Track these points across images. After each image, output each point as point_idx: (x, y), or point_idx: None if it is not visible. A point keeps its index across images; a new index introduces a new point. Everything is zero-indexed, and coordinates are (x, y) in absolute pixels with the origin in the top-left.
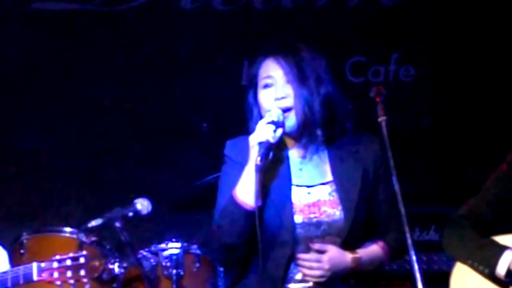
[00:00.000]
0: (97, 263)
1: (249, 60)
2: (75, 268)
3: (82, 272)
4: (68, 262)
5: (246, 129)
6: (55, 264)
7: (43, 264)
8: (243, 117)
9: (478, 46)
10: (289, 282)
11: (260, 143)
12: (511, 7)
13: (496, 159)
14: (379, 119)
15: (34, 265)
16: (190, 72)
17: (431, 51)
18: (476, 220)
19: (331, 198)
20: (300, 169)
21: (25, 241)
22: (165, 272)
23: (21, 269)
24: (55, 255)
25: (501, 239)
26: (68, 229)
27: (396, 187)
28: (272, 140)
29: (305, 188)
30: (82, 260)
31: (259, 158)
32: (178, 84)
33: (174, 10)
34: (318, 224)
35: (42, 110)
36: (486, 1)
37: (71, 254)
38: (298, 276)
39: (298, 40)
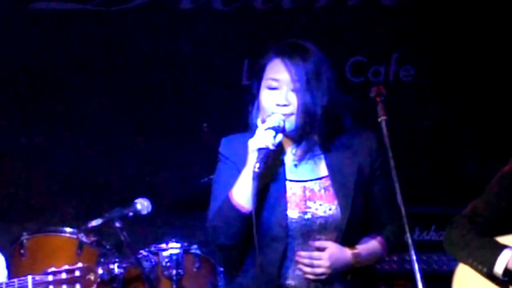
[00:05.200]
0: (92, 277)
1: (250, 58)
2: (70, 281)
3: (78, 286)
4: (63, 275)
5: (247, 128)
6: (50, 278)
7: (37, 277)
8: (243, 117)
9: (478, 46)
10: (286, 279)
11: (259, 149)
12: (511, 7)
13: (496, 158)
14: (379, 119)
15: (29, 278)
16: (190, 72)
17: (431, 51)
18: (479, 220)
19: (327, 193)
20: (295, 165)
21: (25, 241)
22: (165, 272)
23: (16, 282)
24: (54, 258)
25: (504, 239)
26: (68, 229)
27: (396, 186)
28: (271, 147)
29: (300, 183)
30: (77, 273)
31: (257, 165)
32: (178, 84)
33: (174, 10)
34: (314, 219)
35: (42, 109)
36: (486, 1)
37: (66, 267)
38: (297, 273)
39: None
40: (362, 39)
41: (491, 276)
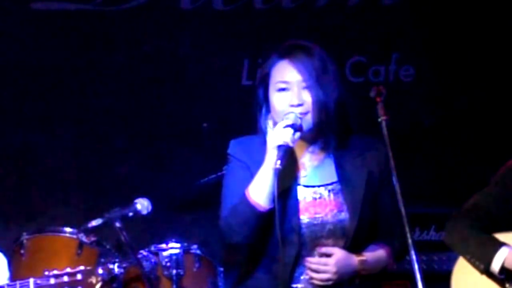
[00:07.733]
0: (94, 280)
1: (250, 58)
2: (72, 284)
3: None
4: (65, 279)
5: (247, 128)
6: (52, 281)
7: (39, 281)
8: (243, 117)
9: (478, 46)
10: (296, 283)
11: (279, 147)
12: (510, 7)
13: (496, 159)
14: (379, 119)
15: (31, 281)
16: (190, 72)
17: (431, 51)
18: (480, 214)
19: (336, 199)
20: (306, 170)
21: (25, 241)
22: (165, 272)
23: (17, 285)
24: (54, 258)
25: (504, 236)
26: (68, 229)
27: (396, 187)
28: (291, 144)
29: (311, 188)
30: (79, 276)
31: (279, 162)
32: (178, 84)
33: (174, 10)
34: (323, 224)
35: (42, 109)
36: (485, 1)
37: (68, 270)
38: (304, 277)
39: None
40: (362, 39)
41: (488, 273)
